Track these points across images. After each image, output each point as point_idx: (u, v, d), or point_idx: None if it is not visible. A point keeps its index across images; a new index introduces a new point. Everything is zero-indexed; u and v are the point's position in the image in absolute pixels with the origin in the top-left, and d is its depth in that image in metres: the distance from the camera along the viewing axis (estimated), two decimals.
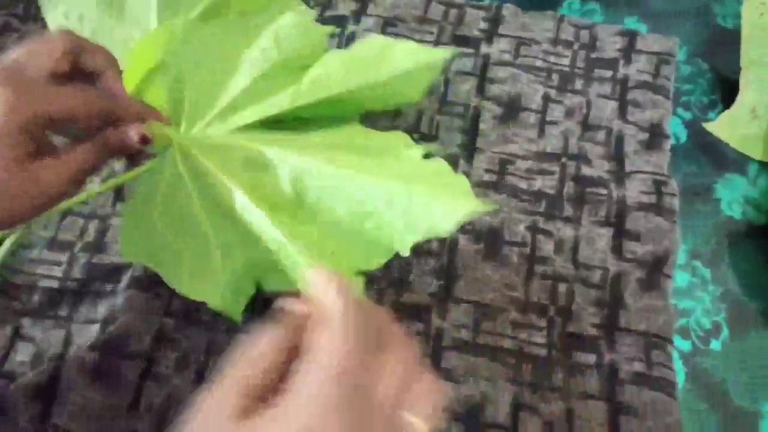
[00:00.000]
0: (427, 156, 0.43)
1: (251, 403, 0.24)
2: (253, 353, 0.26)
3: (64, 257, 0.47)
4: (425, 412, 0.26)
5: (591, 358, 0.43)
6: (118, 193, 0.49)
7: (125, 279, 0.46)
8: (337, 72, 0.45)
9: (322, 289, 0.27)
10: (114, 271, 0.46)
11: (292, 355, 0.26)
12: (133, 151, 0.37)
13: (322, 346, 0.25)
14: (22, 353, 0.43)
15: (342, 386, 0.24)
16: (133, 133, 0.36)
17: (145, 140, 0.37)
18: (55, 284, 0.46)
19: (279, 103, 0.44)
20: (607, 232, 0.48)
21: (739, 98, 0.53)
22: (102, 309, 0.45)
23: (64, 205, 0.47)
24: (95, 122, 0.35)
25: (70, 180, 0.34)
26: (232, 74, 0.44)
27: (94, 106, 0.34)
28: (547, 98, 0.54)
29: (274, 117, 0.44)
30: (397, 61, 0.45)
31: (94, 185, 0.49)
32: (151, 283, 0.45)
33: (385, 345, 0.26)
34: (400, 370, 0.26)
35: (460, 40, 0.57)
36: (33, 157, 0.32)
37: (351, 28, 0.57)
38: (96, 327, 0.44)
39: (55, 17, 0.48)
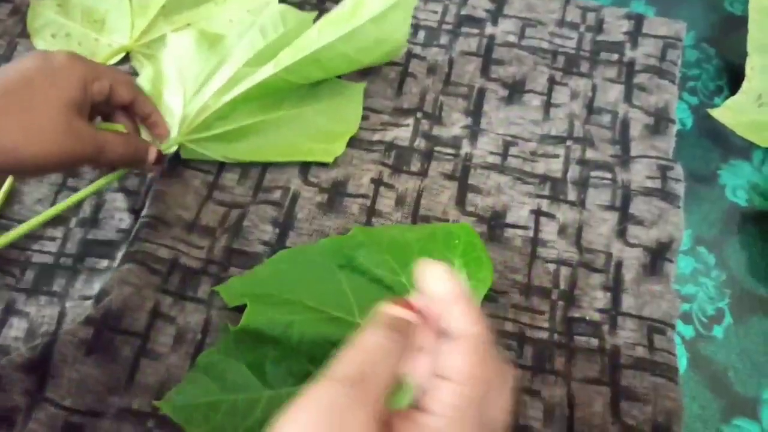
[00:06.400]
0: None
1: (382, 409, 0.24)
2: (371, 368, 0.25)
3: (59, 233, 0.46)
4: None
5: (593, 343, 0.43)
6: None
7: (121, 255, 0.45)
8: (313, 32, 0.47)
9: (456, 308, 0.27)
10: (109, 247, 0.46)
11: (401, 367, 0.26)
12: (145, 167, 0.45)
13: (467, 374, 0.25)
14: (16, 329, 0.42)
15: (482, 415, 0.25)
16: (152, 152, 0.44)
17: (159, 160, 0.44)
18: (49, 260, 0.45)
19: (264, 72, 0.46)
20: (611, 217, 0.47)
21: (745, 84, 0.52)
22: (97, 285, 0.44)
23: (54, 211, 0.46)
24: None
25: (97, 150, 0.39)
26: (219, 67, 0.48)
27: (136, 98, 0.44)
28: (552, 80, 0.53)
29: (261, 86, 0.46)
30: (368, 6, 0.47)
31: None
32: (147, 259, 0.44)
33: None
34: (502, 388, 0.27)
35: (465, 20, 0.56)
36: (80, 116, 0.39)
37: None
38: (91, 303, 0.43)
39: (43, 38, 0.54)
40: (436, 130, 0.51)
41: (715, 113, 0.51)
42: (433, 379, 0.26)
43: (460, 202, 0.48)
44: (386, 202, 0.48)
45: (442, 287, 0.28)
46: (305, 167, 0.49)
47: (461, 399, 0.25)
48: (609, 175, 0.49)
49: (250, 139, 0.48)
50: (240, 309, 0.40)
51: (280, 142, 0.49)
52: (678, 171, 0.49)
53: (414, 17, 0.56)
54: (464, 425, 0.24)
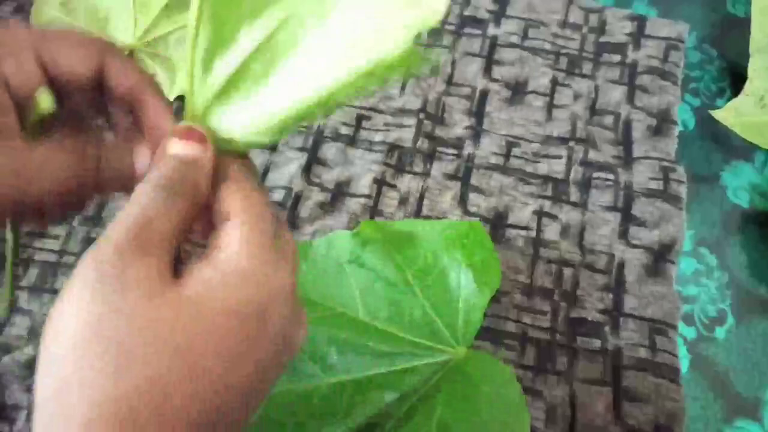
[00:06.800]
0: None
1: (170, 262, 0.22)
2: (158, 208, 0.22)
3: (61, 230, 0.46)
4: None
5: (595, 343, 0.43)
6: None
7: None
8: None
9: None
10: None
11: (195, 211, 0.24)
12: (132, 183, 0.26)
13: (253, 211, 0.24)
14: (19, 326, 0.43)
15: (278, 251, 0.23)
16: (143, 159, 0.27)
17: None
18: (52, 258, 0.45)
19: None
20: (613, 218, 0.47)
21: (747, 86, 0.52)
22: None
23: None
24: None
25: (18, 186, 0.24)
26: None
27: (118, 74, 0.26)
28: (554, 82, 0.53)
29: None
30: None
31: None
32: None
33: None
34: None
35: (467, 21, 0.56)
36: None
37: None
38: None
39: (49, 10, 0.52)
40: (439, 131, 0.51)
41: (717, 114, 0.51)
42: (217, 225, 0.24)
43: (463, 202, 0.48)
44: (389, 202, 0.48)
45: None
46: (307, 167, 0.49)
47: (245, 229, 0.23)
48: (611, 177, 0.49)
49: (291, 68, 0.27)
50: None
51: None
52: (680, 172, 0.49)
53: None
54: (257, 250, 0.23)
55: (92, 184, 0.26)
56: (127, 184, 0.27)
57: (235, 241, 0.23)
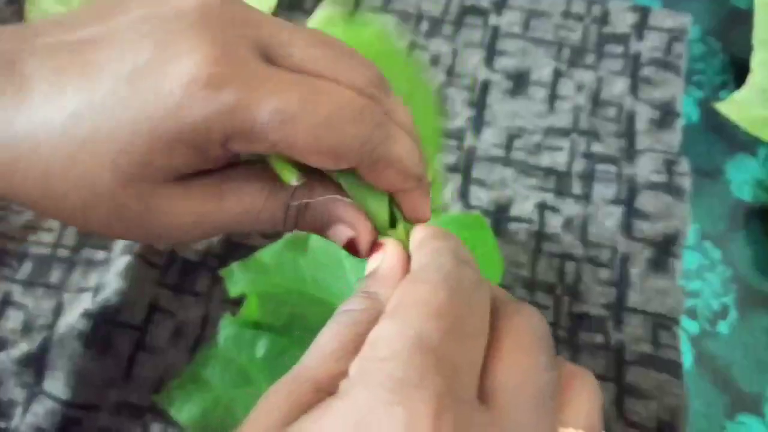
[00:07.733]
0: None
1: (308, 398, 0.18)
2: (317, 342, 0.20)
3: (55, 224, 0.45)
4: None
5: (598, 339, 0.43)
6: None
7: (118, 247, 0.44)
8: None
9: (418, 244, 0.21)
10: (106, 239, 0.45)
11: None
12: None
13: (401, 301, 0.18)
14: (13, 321, 0.42)
15: (423, 355, 0.17)
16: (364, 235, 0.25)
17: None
18: (46, 251, 0.44)
19: None
20: (616, 211, 0.47)
21: (749, 79, 0.52)
22: (94, 277, 0.43)
23: None
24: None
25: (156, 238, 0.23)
26: None
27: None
28: (557, 73, 0.52)
29: None
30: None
31: None
32: (145, 252, 0.43)
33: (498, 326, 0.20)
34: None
35: (468, 11, 0.55)
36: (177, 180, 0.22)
37: None
38: (88, 295, 0.42)
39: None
40: (440, 122, 0.50)
41: (720, 107, 0.51)
42: None
43: (464, 195, 0.47)
44: None
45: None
46: None
47: (384, 328, 0.18)
48: (614, 169, 0.48)
49: None
50: (240, 302, 0.40)
51: None
52: (684, 165, 0.48)
53: (417, 8, 0.55)
54: (384, 365, 0.17)
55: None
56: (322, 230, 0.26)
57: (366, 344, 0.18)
